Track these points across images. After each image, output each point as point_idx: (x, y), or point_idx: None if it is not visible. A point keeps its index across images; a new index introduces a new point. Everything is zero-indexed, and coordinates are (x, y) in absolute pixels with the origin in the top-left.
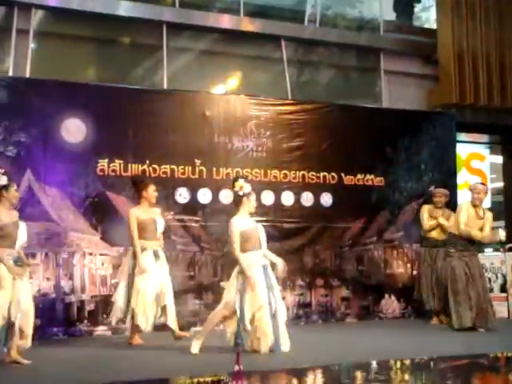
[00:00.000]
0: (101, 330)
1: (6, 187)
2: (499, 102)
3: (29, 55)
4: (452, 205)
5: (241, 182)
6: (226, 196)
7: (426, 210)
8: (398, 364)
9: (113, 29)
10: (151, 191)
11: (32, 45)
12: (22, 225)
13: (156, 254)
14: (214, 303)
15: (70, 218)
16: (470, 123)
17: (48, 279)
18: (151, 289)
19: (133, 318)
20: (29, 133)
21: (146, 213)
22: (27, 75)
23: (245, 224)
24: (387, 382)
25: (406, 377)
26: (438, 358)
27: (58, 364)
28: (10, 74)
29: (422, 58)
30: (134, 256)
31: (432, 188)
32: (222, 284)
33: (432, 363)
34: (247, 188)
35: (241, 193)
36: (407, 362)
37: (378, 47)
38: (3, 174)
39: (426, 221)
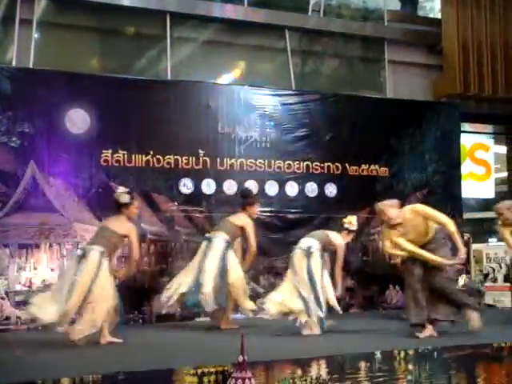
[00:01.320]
0: None
1: (126, 205)
2: (504, 92)
3: (32, 45)
4: (457, 196)
5: (352, 218)
6: (229, 186)
7: None
8: (402, 354)
9: (116, 19)
10: (255, 209)
11: (35, 35)
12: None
13: None
14: None
15: (74, 208)
16: (474, 113)
17: (52, 270)
18: None
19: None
20: (32, 123)
21: None
22: (30, 65)
23: None
24: (391, 372)
25: (410, 367)
26: (442, 348)
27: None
28: (14, 64)
29: (427, 47)
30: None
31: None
32: None
33: (436, 353)
34: (353, 226)
35: (346, 226)
36: (411, 352)
37: (382, 37)
38: (127, 193)
39: None
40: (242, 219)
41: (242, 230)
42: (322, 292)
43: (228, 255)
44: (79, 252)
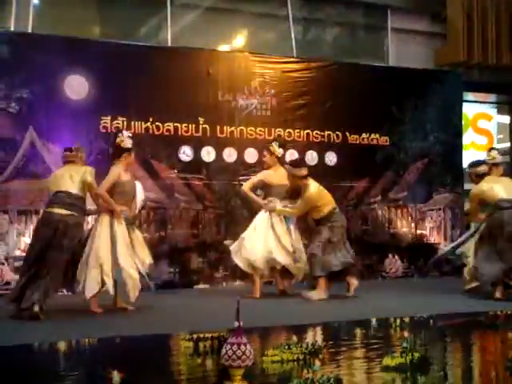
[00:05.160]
0: None
1: (129, 150)
2: (508, 61)
3: (31, 10)
4: (458, 165)
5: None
6: (229, 154)
7: None
8: (398, 322)
9: None
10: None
11: (34, 0)
12: (139, 185)
13: None
14: (217, 261)
15: None
16: (477, 82)
17: None
18: None
19: None
20: (31, 89)
21: None
22: (29, 30)
23: None
24: (387, 340)
25: (406, 334)
26: (438, 315)
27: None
28: (12, 28)
29: (431, 15)
30: None
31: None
32: (225, 242)
33: (431, 321)
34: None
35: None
36: (407, 319)
37: (385, 4)
38: (130, 138)
39: None
40: None
41: None
42: None
43: None
44: None
